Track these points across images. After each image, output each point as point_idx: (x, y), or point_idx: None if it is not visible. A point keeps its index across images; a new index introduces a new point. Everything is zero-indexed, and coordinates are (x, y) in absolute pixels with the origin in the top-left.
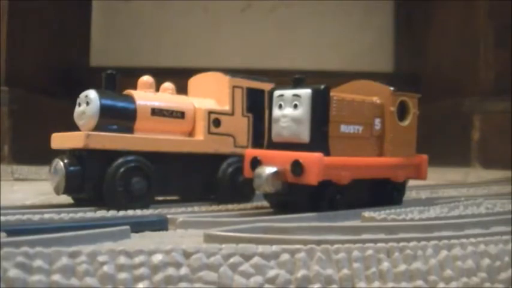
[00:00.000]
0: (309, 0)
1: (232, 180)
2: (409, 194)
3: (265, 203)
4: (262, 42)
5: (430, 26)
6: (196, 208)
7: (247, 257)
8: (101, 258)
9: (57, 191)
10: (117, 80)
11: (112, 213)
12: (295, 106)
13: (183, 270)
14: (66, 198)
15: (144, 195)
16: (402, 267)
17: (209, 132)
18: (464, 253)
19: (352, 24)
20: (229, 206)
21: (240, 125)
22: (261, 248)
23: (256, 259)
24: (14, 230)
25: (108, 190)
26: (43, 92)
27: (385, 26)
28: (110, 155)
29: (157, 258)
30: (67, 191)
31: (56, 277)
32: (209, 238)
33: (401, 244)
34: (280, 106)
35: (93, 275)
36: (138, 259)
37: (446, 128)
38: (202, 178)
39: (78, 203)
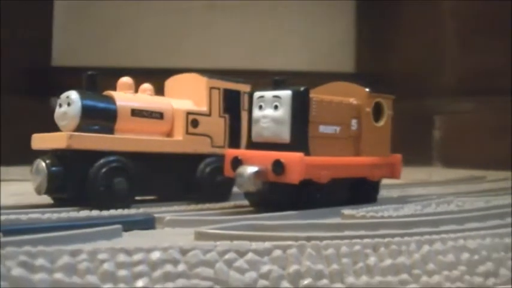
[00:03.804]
0: (270, 0)
1: (210, 180)
2: (381, 193)
3: (244, 202)
4: (227, 42)
5: (393, 26)
6: (176, 207)
7: (241, 253)
8: (101, 256)
9: (38, 191)
10: (98, 81)
11: (95, 212)
12: (276, 107)
13: (181, 267)
14: (40, 199)
15: (125, 195)
16: (388, 261)
17: (187, 133)
18: (445, 248)
19: (313, 24)
20: (211, 205)
21: (217, 125)
22: (254, 245)
23: (250, 255)
24: (9, 230)
25: (91, 190)
26: (6, 92)
27: (347, 26)
28: (91, 156)
29: (156, 255)
30: (49, 191)
31: (58, 275)
32: (200, 236)
33: (387, 240)
34: (260, 107)
35: (94, 272)
36: (136, 256)
37: (409, 128)
38: (181, 178)
39: (58, 203)
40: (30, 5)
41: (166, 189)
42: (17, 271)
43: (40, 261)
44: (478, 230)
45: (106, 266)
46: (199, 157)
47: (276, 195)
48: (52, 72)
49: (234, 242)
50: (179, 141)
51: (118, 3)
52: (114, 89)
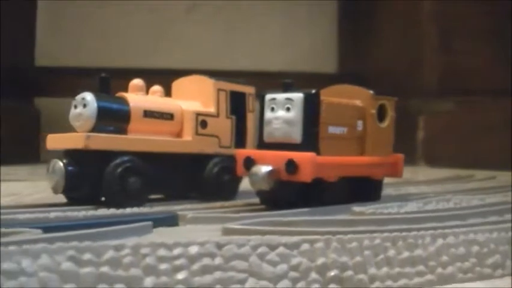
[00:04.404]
0: (253, 0)
1: (218, 179)
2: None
3: (252, 200)
4: (207, 42)
5: (374, 27)
6: (189, 205)
7: (272, 247)
8: (143, 251)
9: (55, 190)
10: (111, 83)
11: (112, 211)
12: (288, 109)
13: (217, 260)
14: (35, 198)
15: (139, 194)
16: (406, 254)
17: (196, 133)
18: (457, 241)
19: (296, 24)
20: (224, 203)
21: (224, 126)
22: (284, 239)
23: (281, 249)
24: (48, 228)
25: (107, 189)
26: None
27: (328, 27)
28: (106, 155)
29: (194, 249)
30: (66, 190)
31: (105, 269)
32: (229, 231)
33: (404, 234)
34: (272, 109)
35: (137, 266)
36: (176, 251)
37: None
38: (189, 177)
39: (72, 201)
40: (13, 5)
41: (175, 188)
42: (66, 265)
43: (87, 256)
44: (484, 224)
45: (148, 259)
46: (207, 157)
47: (288, 193)
48: (35, 73)
49: (266, 237)
50: (189, 142)
51: (101, 4)
52: (125, 90)
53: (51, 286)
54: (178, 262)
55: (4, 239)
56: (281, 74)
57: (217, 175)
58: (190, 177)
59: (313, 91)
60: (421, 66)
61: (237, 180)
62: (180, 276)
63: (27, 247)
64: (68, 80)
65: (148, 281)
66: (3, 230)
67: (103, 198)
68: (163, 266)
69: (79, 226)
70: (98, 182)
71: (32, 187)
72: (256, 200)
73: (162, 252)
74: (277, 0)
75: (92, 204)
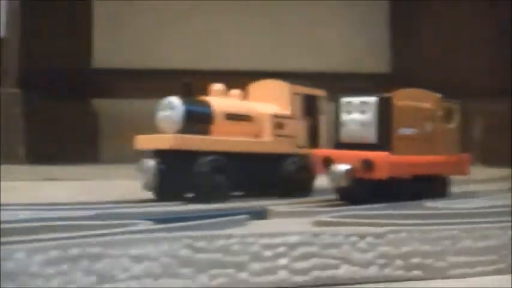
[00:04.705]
0: (307, 0)
1: (295, 177)
2: None
3: (327, 197)
4: (262, 43)
5: (427, 27)
6: (268, 202)
7: (362, 236)
8: (249, 239)
9: (146, 187)
10: (193, 88)
11: (202, 206)
12: (363, 112)
13: (314, 248)
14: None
15: (224, 191)
16: (481, 243)
17: (274, 134)
18: None
19: (348, 25)
20: (304, 200)
21: (299, 127)
22: (372, 230)
23: (369, 238)
24: (160, 220)
25: (196, 186)
26: (52, 94)
27: (381, 27)
28: (193, 155)
29: (293, 238)
30: (156, 187)
31: (217, 255)
32: (320, 224)
33: (478, 226)
34: (348, 112)
35: (245, 253)
36: (278, 239)
37: None
38: (268, 175)
39: (160, 198)
40: (70, 7)
41: (255, 186)
42: (183, 251)
43: (201, 244)
44: None
45: (254, 247)
46: (284, 156)
47: (364, 190)
48: (92, 74)
49: (355, 228)
50: (267, 142)
51: (157, 5)
52: (205, 93)
53: (172, 270)
54: (280, 249)
55: (126, 229)
56: (334, 75)
57: (294, 173)
58: (269, 176)
59: (387, 95)
60: (477, 66)
61: (312, 178)
62: (282, 262)
63: (149, 235)
64: (125, 82)
65: (255, 266)
66: (119, 222)
67: (190, 195)
68: (267, 253)
69: (185, 219)
70: (185, 180)
71: (103, 186)
72: (331, 196)
73: (265, 240)
74: (331, 0)
75: (179, 200)
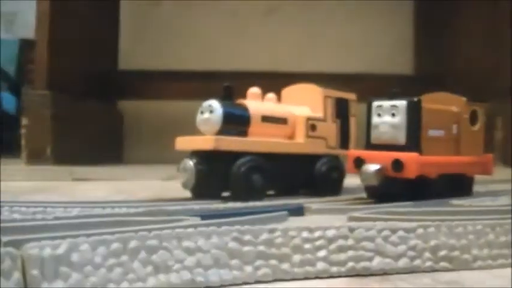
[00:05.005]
0: (328, 0)
1: (327, 176)
2: None
3: (357, 195)
4: (286, 44)
5: (450, 28)
6: (302, 200)
7: (393, 231)
8: (291, 233)
9: (185, 186)
10: (233, 91)
11: (242, 204)
12: (393, 115)
13: (350, 241)
14: (155, 194)
15: (261, 190)
16: (503, 238)
17: (307, 136)
18: None
19: (373, 26)
20: (337, 198)
21: (331, 129)
22: (403, 225)
23: (400, 232)
24: (206, 216)
25: (234, 185)
26: (78, 95)
27: (405, 28)
28: (231, 156)
29: (331, 232)
30: (195, 186)
31: (261, 247)
32: (355, 219)
33: (501, 221)
34: (379, 115)
35: (287, 245)
36: (317, 233)
37: None
38: (301, 174)
39: (197, 197)
40: (96, 9)
41: (289, 184)
42: (231, 244)
43: (247, 237)
44: None
45: (295, 240)
46: (316, 157)
47: (393, 188)
48: (118, 75)
49: (387, 223)
50: (301, 143)
51: (183, 6)
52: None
53: (222, 261)
54: (318, 242)
55: (177, 224)
56: (358, 76)
57: (326, 173)
58: (302, 175)
59: (416, 99)
60: (498, 67)
61: (343, 177)
62: (321, 254)
63: (201, 230)
64: (150, 83)
65: (296, 257)
66: (170, 218)
67: (227, 193)
68: (307, 246)
69: (229, 215)
70: (223, 179)
71: (134, 186)
72: (360, 194)
73: (305, 234)
74: (355, 0)
75: (217, 198)
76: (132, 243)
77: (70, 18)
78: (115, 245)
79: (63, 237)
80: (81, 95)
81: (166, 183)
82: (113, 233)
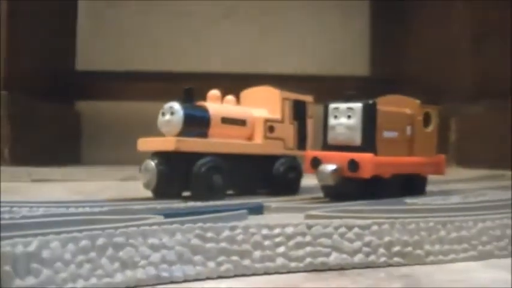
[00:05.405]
0: (285, 1)
1: (284, 177)
2: None
3: (314, 195)
4: (243, 47)
5: (407, 30)
6: (260, 199)
7: (349, 228)
8: (251, 230)
9: (147, 187)
10: (193, 94)
11: (204, 203)
12: (349, 116)
13: (308, 238)
14: (117, 195)
15: (221, 190)
16: (454, 234)
17: (265, 137)
18: (494, 225)
19: (328, 27)
20: (295, 197)
21: (288, 130)
22: (358, 222)
23: (356, 229)
24: (169, 214)
25: (195, 185)
26: (36, 96)
27: (361, 29)
28: (191, 156)
29: (290, 229)
30: (157, 186)
31: (223, 244)
32: (311, 217)
33: (452, 219)
34: (335, 116)
35: (248, 242)
36: (276, 230)
37: None
38: (259, 175)
39: (158, 197)
40: (54, 9)
41: (248, 185)
42: (194, 241)
43: (210, 234)
44: None
45: (256, 237)
46: (274, 157)
47: (350, 188)
48: (75, 76)
49: (344, 220)
50: (259, 144)
51: (140, 7)
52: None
53: (185, 257)
54: (278, 239)
55: (141, 222)
56: (315, 78)
57: (284, 173)
58: (261, 175)
59: (371, 101)
60: (454, 69)
61: (300, 177)
62: (280, 250)
63: (165, 227)
64: (109, 84)
65: (256, 253)
66: (135, 216)
67: (188, 193)
68: (267, 242)
69: (191, 213)
70: (184, 179)
71: (93, 186)
72: (317, 194)
73: (265, 231)
74: (310, 0)
75: (178, 198)
76: (100, 241)
77: (27, 18)
78: (84, 242)
79: (35, 235)
80: (39, 96)
81: (124, 184)
82: (81, 231)
